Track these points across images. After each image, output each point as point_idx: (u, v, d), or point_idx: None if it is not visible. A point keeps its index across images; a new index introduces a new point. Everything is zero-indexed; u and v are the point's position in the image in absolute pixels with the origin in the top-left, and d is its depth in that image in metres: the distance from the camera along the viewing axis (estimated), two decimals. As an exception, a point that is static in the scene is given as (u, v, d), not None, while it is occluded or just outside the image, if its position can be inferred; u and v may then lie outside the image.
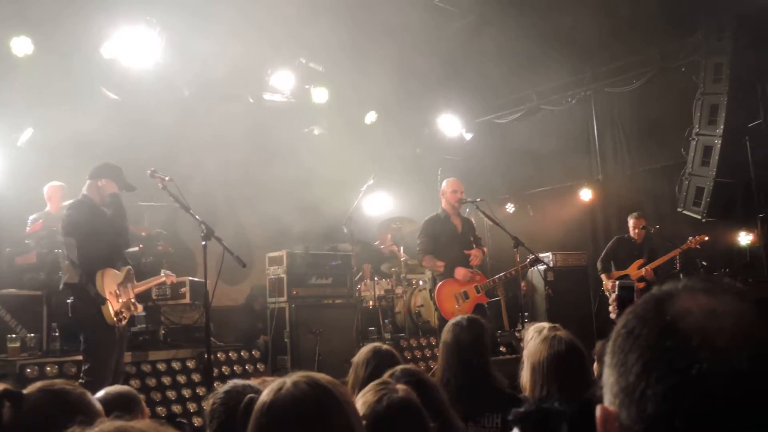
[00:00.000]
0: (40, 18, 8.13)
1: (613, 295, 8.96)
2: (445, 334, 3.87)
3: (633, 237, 9.33)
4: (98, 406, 2.16)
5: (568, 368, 3.11)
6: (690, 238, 8.91)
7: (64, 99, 8.52)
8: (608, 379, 0.91)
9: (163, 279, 7.03)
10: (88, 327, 5.66)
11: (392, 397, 2.32)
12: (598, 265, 9.39)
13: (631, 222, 9.36)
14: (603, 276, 9.29)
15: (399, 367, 2.93)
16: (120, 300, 5.76)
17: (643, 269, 8.99)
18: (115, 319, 5.64)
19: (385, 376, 2.74)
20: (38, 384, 2.10)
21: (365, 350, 3.53)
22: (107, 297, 5.61)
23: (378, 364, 3.38)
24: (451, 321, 3.97)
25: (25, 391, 2.03)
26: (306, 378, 1.75)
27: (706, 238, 8.89)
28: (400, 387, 2.40)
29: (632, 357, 0.87)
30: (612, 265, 9.35)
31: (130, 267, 6.04)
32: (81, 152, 8.14)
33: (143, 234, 8.33)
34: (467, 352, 3.73)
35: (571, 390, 3.04)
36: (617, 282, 8.72)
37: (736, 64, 9.26)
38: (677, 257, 8.98)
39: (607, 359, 0.92)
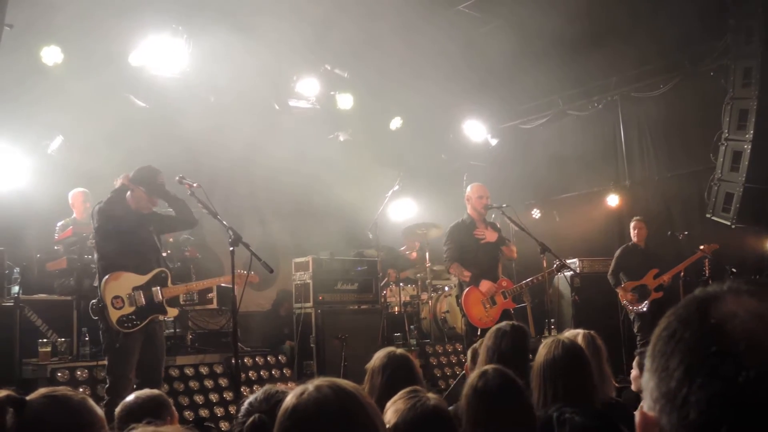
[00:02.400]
0: (69, 27, 8.25)
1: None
2: (488, 339, 3.85)
3: (638, 244, 9.32)
4: (99, 412, 2.16)
5: (563, 373, 3.10)
6: (701, 246, 8.85)
7: (93, 107, 8.64)
8: (648, 384, 0.88)
9: (221, 280, 6.74)
10: (102, 327, 5.76)
11: (425, 405, 2.31)
12: (610, 279, 9.31)
13: (633, 223, 9.41)
14: (618, 290, 9.20)
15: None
16: (133, 305, 5.70)
17: (663, 277, 8.93)
18: (116, 324, 5.61)
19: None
20: (41, 390, 2.12)
21: (380, 356, 3.52)
22: (106, 302, 5.61)
23: (394, 370, 3.38)
24: (495, 326, 3.94)
25: (28, 398, 2.05)
26: (328, 382, 1.74)
27: (717, 247, 8.82)
28: (432, 395, 2.40)
29: (674, 361, 0.83)
30: (622, 276, 9.27)
31: (160, 270, 5.97)
32: (110, 159, 8.24)
33: (170, 240, 8.40)
34: (509, 357, 3.70)
35: (569, 396, 3.02)
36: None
37: (765, 68, 9.12)
38: (705, 264, 8.89)
39: (647, 363, 0.89)
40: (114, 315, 5.61)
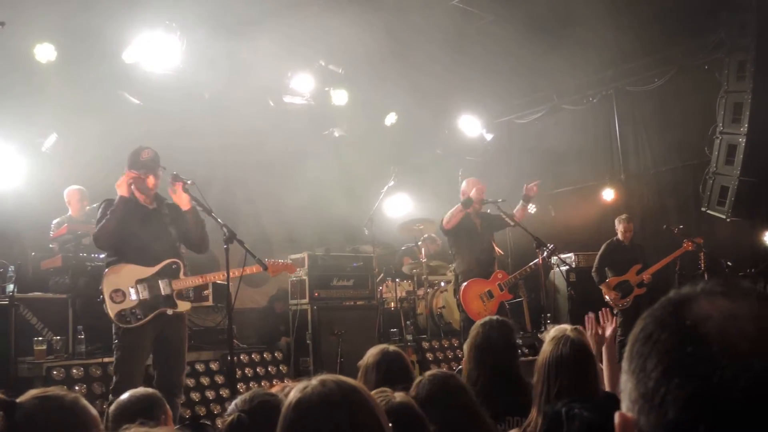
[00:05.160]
0: (62, 25, 8.22)
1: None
2: (474, 334, 3.86)
3: (622, 240, 9.38)
4: (93, 411, 2.15)
5: (569, 370, 3.10)
6: (685, 241, 8.89)
7: (87, 104, 8.64)
8: (626, 385, 0.90)
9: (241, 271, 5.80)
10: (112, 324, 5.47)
11: (389, 402, 2.35)
12: (594, 276, 9.39)
13: (621, 225, 9.44)
14: (602, 287, 9.26)
15: (427, 373, 2.96)
16: (135, 299, 5.38)
17: (643, 275, 9.00)
18: (115, 319, 5.33)
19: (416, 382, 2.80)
20: (32, 391, 2.10)
21: (373, 353, 3.52)
22: (104, 295, 5.35)
23: (388, 366, 3.39)
24: (480, 321, 3.97)
25: (18, 400, 2.04)
26: (332, 377, 1.80)
27: (701, 241, 8.86)
28: (398, 393, 2.43)
29: (651, 362, 0.86)
30: (606, 272, 9.36)
31: (171, 261, 5.64)
32: (104, 157, 8.23)
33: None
34: (497, 352, 3.72)
35: (573, 391, 3.03)
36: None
37: (759, 62, 9.13)
38: (701, 257, 8.92)
39: (625, 365, 0.91)
40: (112, 309, 5.32)
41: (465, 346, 3.97)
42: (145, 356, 5.51)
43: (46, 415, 2.01)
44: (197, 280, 5.80)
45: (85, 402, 2.14)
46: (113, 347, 5.47)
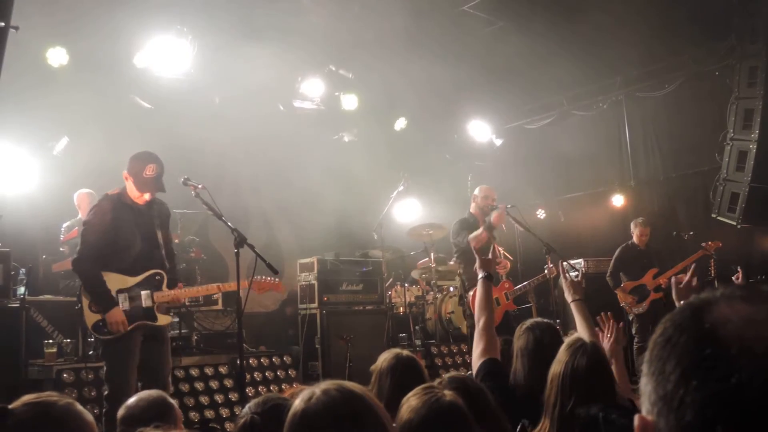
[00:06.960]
0: (74, 29, 8.27)
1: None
2: (521, 339, 3.75)
3: (637, 244, 9.27)
4: (88, 417, 2.09)
5: (586, 380, 3.04)
6: (703, 244, 8.81)
7: (98, 108, 8.68)
8: (645, 388, 0.91)
9: (225, 287, 5.80)
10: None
11: (440, 401, 2.30)
12: (609, 281, 9.24)
13: (636, 229, 9.31)
14: (617, 291, 9.14)
15: (446, 375, 2.93)
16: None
17: (660, 279, 8.91)
18: (92, 329, 5.08)
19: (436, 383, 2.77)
20: (25, 397, 2.05)
21: (387, 358, 3.47)
22: (83, 304, 5.08)
23: (402, 371, 3.36)
24: (529, 325, 3.86)
25: (10, 406, 2.00)
26: (336, 385, 1.76)
27: (720, 245, 8.79)
28: (447, 392, 2.38)
29: (670, 365, 0.87)
30: (621, 277, 9.23)
31: (155, 272, 5.34)
32: (115, 160, 8.26)
33: (175, 241, 8.41)
34: (548, 355, 3.63)
35: (592, 399, 2.98)
36: None
37: (771, 68, 9.12)
38: (711, 263, 8.86)
39: (644, 368, 0.92)
40: (90, 319, 5.05)
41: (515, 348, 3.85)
42: (135, 362, 5.20)
43: (38, 422, 1.98)
44: (183, 294, 5.54)
45: (79, 408, 2.09)
46: (102, 355, 5.27)
